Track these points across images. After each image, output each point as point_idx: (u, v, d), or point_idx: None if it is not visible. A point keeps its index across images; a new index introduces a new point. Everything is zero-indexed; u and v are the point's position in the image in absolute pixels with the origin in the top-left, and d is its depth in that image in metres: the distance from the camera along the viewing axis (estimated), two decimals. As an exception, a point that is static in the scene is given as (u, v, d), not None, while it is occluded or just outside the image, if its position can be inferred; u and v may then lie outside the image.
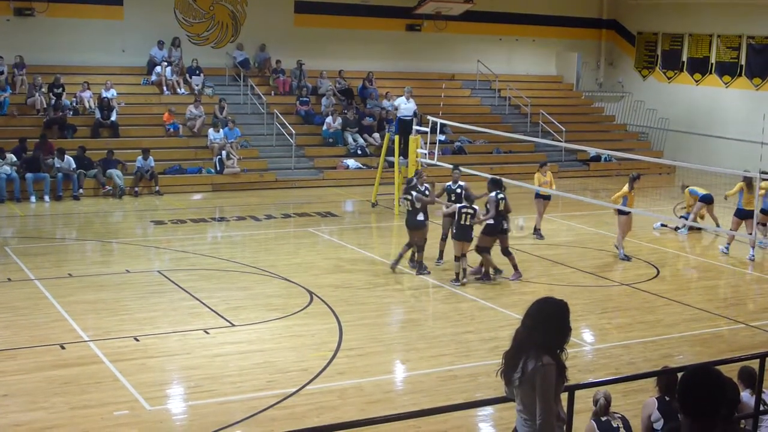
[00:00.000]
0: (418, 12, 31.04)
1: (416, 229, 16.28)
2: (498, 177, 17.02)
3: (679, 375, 4.74)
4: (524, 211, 20.50)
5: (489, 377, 11.11)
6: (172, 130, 26.18)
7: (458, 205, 15.98)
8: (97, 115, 25.46)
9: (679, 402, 4.53)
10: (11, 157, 22.78)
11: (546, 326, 5.58)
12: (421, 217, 16.29)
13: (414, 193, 16.26)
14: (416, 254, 16.50)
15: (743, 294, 16.64)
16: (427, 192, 16.77)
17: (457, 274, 15.73)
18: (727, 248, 18.93)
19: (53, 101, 25.15)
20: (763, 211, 18.64)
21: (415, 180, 16.93)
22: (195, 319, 13.44)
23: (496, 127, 28.32)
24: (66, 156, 23.20)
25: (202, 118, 26.46)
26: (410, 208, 16.27)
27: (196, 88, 27.91)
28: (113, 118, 25.63)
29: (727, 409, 4.77)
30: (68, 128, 25.01)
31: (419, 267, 16.41)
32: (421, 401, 10.45)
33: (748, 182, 18.42)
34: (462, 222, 15.66)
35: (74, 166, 23.20)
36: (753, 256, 18.44)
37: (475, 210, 15.74)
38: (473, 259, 16.25)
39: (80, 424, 9.77)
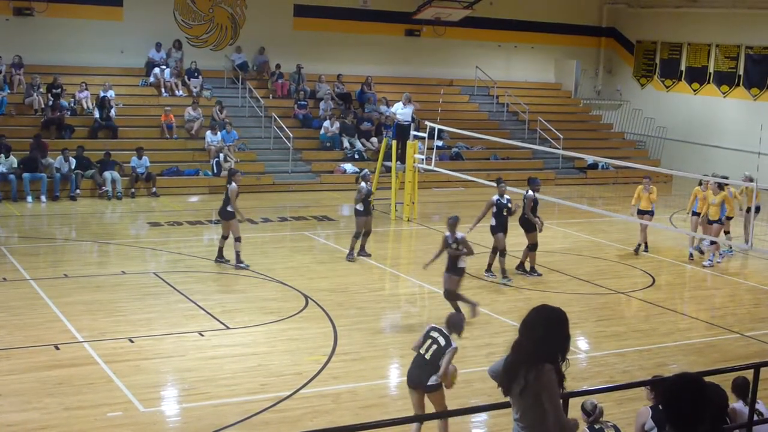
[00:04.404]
0: (417, 17, 31.07)
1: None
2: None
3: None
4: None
5: (484, 383, 11.11)
6: (169, 128, 26.14)
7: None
8: (96, 115, 25.45)
9: (663, 412, 4.55)
10: (12, 159, 22.79)
11: (544, 334, 5.55)
12: (360, 207, 17.64)
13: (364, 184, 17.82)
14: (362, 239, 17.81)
15: (738, 304, 16.64)
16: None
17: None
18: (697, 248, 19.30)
19: (51, 101, 25.13)
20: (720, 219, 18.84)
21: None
22: (190, 322, 13.45)
23: (494, 133, 28.34)
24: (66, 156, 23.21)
25: (200, 121, 26.46)
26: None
27: (194, 90, 27.90)
28: (112, 118, 25.61)
29: (713, 415, 4.76)
30: (66, 129, 24.99)
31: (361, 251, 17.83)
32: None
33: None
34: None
35: (74, 166, 23.20)
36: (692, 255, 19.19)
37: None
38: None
39: (74, 425, 9.76)
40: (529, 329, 5.61)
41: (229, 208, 16.64)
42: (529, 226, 16.93)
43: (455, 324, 9.66)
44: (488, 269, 16.95)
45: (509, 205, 16.64)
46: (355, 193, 18.00)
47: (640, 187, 19.39)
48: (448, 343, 9.42)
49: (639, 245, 19.34)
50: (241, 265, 16.71)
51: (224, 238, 16.98)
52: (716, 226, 18.57)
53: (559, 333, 5.57)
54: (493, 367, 5.96)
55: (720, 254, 19.06)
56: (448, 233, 13.98)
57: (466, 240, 13.90)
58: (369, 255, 17.94)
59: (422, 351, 9.46)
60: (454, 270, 13.81)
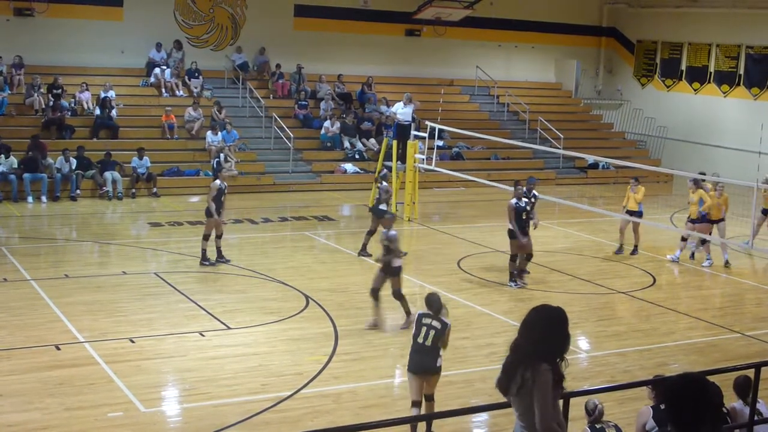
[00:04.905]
0: (417, 17, 31.05)
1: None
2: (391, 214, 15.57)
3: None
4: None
5: (484, 383, 11.13)
6: (170, 128, 26.14)
7: None
8: (98, 112, 25.45)
9: (665, 411, 4.55)
10: (12, 160, 22.80)
11: (543, 334, 5.53)
12: (384, 206, 17.90)
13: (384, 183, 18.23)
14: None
15: (739, 303, 16.65)
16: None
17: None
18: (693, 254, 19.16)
19: (52, 102, 25.12)
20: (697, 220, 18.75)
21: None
22: (191, 322, 13.45)
23: (495, 133, 28.32)
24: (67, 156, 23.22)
25: (201, 121, 26.46)
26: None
27: (195, 90, 27.90)
28: (113, 118, 25.62)
29: (716, 417, 4.76)
30: (66, 129, 24.99)
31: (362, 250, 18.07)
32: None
33: (704, 188, 19.05)
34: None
35: (74, 166, 23.20)
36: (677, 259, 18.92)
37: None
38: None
39: (74, 426, 9.76)
40: (528, 329, 5.59)
41: (212, 207, 16.72)
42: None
43: (435, 303, 10.02)
44: (522, 277, 16.40)
45: (528, 208, 16.29)
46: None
47: (628, 188, 19.36)
48: (444, 324, 9.87)
49: (636, 246, 19.26)
50: (206, 263, 16.79)
51: (218, 237, 17.03)
52: (700, 225, 18.52)
53: (559, 333, 5.55)
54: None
55: (693, 253, 19.07)
56: (384, 229, 13.68)
57: (396, 239, 13.51)
58: (370, 255, 17.95)
59: (420, 339, 9.80)
60: (389, 270, 13.44)
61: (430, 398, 9.85)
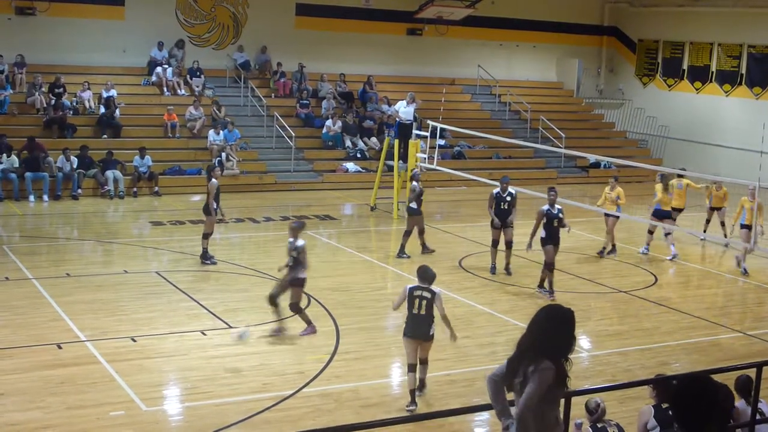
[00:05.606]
0: (419, 16, 31.07)
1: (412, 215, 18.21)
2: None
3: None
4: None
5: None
6: (172, 127, 26.15)
7: None
8: (102, 110, 25.45)
9: (672, 411, 4.56)
10: (14, 159, 22.82)
11: (548, 333, 5.55)
12: (414, 205, 18.01)
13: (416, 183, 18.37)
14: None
15: (741, 303, 16.64)
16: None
17: None
18: (647, 249, 19.36)
19: (53, 101, 25.13)
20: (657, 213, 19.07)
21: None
22: (192, 321, 13.45)
23: (496, 132, 28.31)
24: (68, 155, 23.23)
25: (202, 120, 26.46)
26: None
27: (196, 89, 27.90)
28: (115, 117, 25.62)
29: (721, 417, 4.76)
30: (68, 128, 24.99)
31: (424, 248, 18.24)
32: (418, 406, 10.46)
33: (665, 183, 19.15)
34: None
35: (76, 165, 23.21)
36: (675, 255, 18.99)
37: None
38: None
39: (76, 424, 9.76)
40: (535, 326, 5.65)
41: (214, 206, 16.70)
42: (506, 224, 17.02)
43: (428, 272, 10.73)
44: (540, 285, 15.84)
45: (560, 215, 15.53)
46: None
47: (606, 188, 19.27)
48: (433, 293, 10.58)
49: (604, 248, 19.16)
50: (207, 261, 16.78)
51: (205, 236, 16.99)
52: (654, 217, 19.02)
53: (564, 332, 5.58)
54: (492, 373, 5.98)
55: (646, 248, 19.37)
56: (290, 239, 13.11)
57: (305, 249, 12.99)
58: (433, 251, 18.23)
59: (415, 310, 10.53)
60: (294, 280, 12.92)
61: (424, 361, 10.69)
